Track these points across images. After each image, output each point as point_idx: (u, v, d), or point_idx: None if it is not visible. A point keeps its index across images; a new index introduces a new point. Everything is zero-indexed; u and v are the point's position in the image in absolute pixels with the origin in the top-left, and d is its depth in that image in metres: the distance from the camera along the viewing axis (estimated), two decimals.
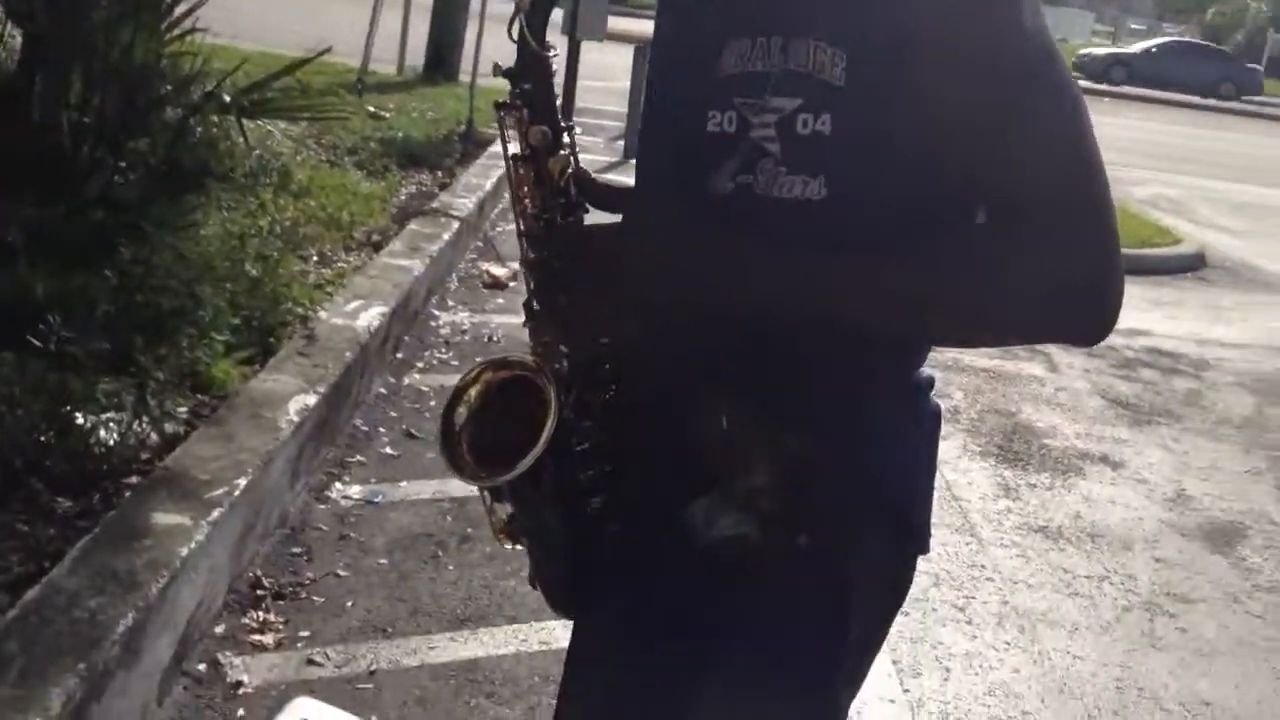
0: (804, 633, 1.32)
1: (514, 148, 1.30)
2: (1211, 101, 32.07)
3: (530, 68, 1.25)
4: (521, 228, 1.30)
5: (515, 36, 1.25)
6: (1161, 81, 31.87)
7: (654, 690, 1.37)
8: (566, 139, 1.27)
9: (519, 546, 1.45)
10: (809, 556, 1.29)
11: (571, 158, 1.28)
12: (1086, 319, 1.18)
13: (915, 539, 1.38)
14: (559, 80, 1.35)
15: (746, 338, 1.24)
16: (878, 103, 1.18)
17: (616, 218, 1.32)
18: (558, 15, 10.09)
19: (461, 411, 1.32)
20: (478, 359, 4.35)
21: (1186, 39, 41.45)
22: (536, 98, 1.25)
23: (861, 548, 1.32)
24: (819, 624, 1.33)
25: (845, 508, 1.30)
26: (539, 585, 1.47)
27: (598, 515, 1.37)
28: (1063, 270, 1.15)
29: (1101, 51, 36.72)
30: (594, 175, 1.33)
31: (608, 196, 1.33)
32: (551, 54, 1.26)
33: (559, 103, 1.30)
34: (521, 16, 1.23)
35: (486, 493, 1.41)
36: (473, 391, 1.33)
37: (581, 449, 1.34)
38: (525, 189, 1.28)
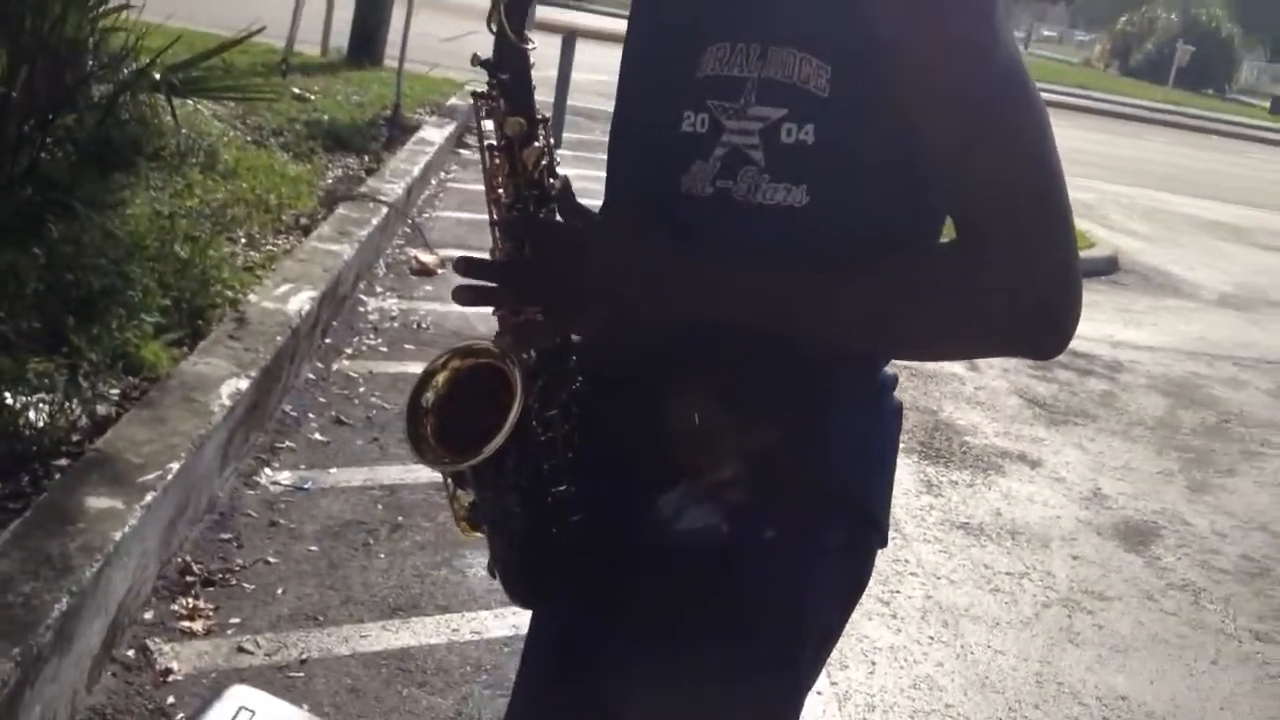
0: (766, 625, 1.33)
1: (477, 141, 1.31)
2: (1129, 108, 32.73)
3: (508, 59, 1.25)
4: (494, 217, 1.30)
5: (494, 28, 1.24)
6: None
7: (605, 684, 1.38)
8: (541, 132, 1.27)
9: (479, 535, 1.45)
10: (774, 549, 1.30)
11: (546, 150, 1.27)
12: (1047, 336, 1.20)
13: (876, 533, 1.40)
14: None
15: (717, 335, 1.25)
16: (860, 115, 1.19)
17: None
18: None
19: (428, 396, 1.32)
20: (408, 346, 4.28)
21: None
22: (513, 89, 1.25)
23: (825, 541, 1.34)
24: (781, 616, 1.34)
25: (811, 502, 1.32)
26: (498, 575, 1.47)
27: (560, 505, 1.37)
28: (1027, 289, 1.16)
29: None
30: (575, 195, 1.33)
31: (583, 219, 1.34)
32: (530, 47, 1.26)
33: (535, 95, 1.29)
34: (501, 8, 1.23)
35: (449, 480, 1.41)
36: (440, 378, 1.33)
37: (546, 438, 1.34)
38: (499, 179, 1.28)
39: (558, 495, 1.36)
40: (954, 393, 6.00)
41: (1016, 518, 4.60)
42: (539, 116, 1.26)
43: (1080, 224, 11.17)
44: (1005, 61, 1.18)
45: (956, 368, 6.34)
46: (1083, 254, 10.01)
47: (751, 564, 1.31)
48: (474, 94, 1.28)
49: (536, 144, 1.26)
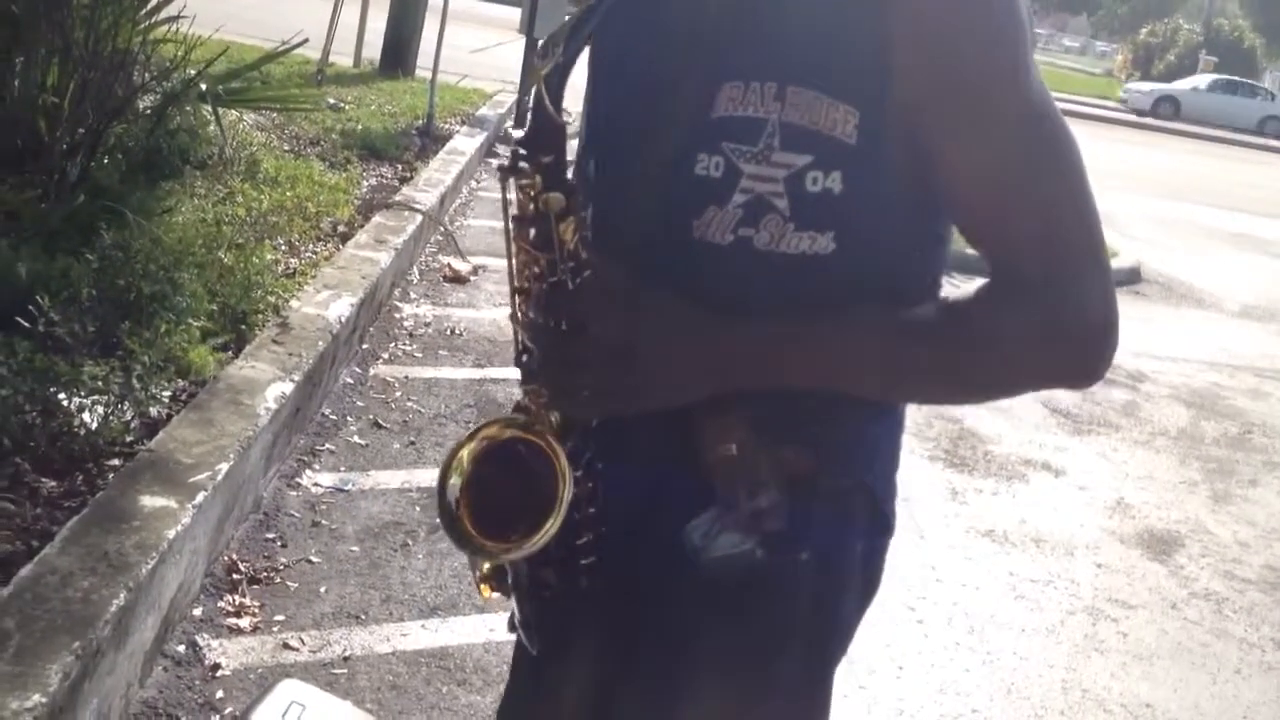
0: (803, 643, 1.36)
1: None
2: (1151, 119, 32.72)
3: (547, 134, 1.16)
4: (515, 285, 1.24)
5: (531, 102, 1.19)
6: None
7: (636, 712, 1.39)
8: (575, 200, 1.19)
9: (500, 595, 1.42)
10: (809, 569, 1.31)
11: (583, 219, 1.20)
12: (1095, 368, 1.22)
13: (890, 532, 1.41)
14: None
15: None
16: (888, 161, 1.18)
17: None
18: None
19: (454, 484, 1.24)
20: (442, 352, 4.35)
21: None
22: (551, 164, 1.17)
23: (852, 552, 1.36)
24: (817, 632, 1.37)
25: (845, 519, 1.33)
26: (521, 631, 1.43)
27: (587, 556, 1.34)
28: (1078, 328, 1.19)
29: None
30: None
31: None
32: (568, 120, 1.18)
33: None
34: (542, 80, 1.17)
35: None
36: (464, 460, 1.25)
37: (574, 497, 1.27)
38: (529, 252, 1.20)
39: (584, 548, 1.33)
40: None
41: (1041, 526, 4.65)
42: (571, 185, 1.19)
43: None
44: (1038, 96, 1.18)
45: None
46: None
47: (788, 585, 1.31)
48: (504, 169, 1.18)
49: (573, 216, 1.18)
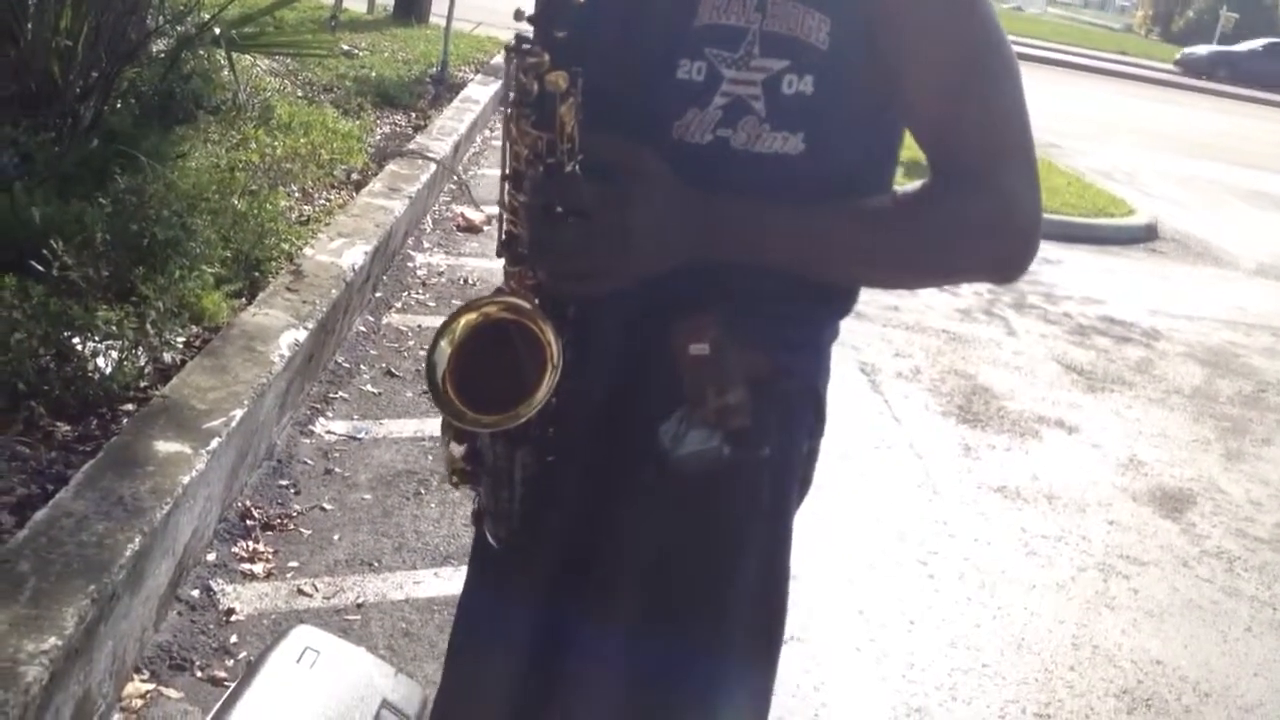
0: (763, 538, 1.43)
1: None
2: (1169, 74, 32.39)
3: (563, 11, 1.17)
4: (508, 171, 1.25)
5: None
6: None
7: (603, 607, 1.44)
8: (577, 85, 1.20)
9: (469, 488, 1.47)
10: (767, 465, 1.39)
11: (580, 104, 1.21)
12: (1024, 262, 1.33)
13: (824, 433, 1.51)
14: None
15: (720, 269, 1.29)
16: (855, 66, 1.26)
17: None
18: None
19: (444, 346, 1.27)
20: (455, 301, 4.35)
21: None
22: (563, 41, 1.17)
23: (801, 450, 1.46)
24: (775, 526, 1.44)
25: (797, 420, 1.43)
26: (489, 523, 1.48)
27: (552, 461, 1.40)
28: (1016, 222, 1.30)
29: None
30: None
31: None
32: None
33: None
34: None
35: (446, 434, 1.44)
36: (455, 333, 1.28)
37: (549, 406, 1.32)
38: (526, 134, 1.21)
39: (550, 442, 1.39)
40: (991, 357, 6.04)
41: (1054, 482, 4.64)
42: (575, 70, 1.19)
43: (1119, 190, 11.17)
44: (991, 22, 1.29)
45: (995, 333, 6.38)
46: (1121, 221, 9.99)
47: (751, 479, 1.39)
48: (510, 47, 1.19)
49: (572, 99, 1.20)
